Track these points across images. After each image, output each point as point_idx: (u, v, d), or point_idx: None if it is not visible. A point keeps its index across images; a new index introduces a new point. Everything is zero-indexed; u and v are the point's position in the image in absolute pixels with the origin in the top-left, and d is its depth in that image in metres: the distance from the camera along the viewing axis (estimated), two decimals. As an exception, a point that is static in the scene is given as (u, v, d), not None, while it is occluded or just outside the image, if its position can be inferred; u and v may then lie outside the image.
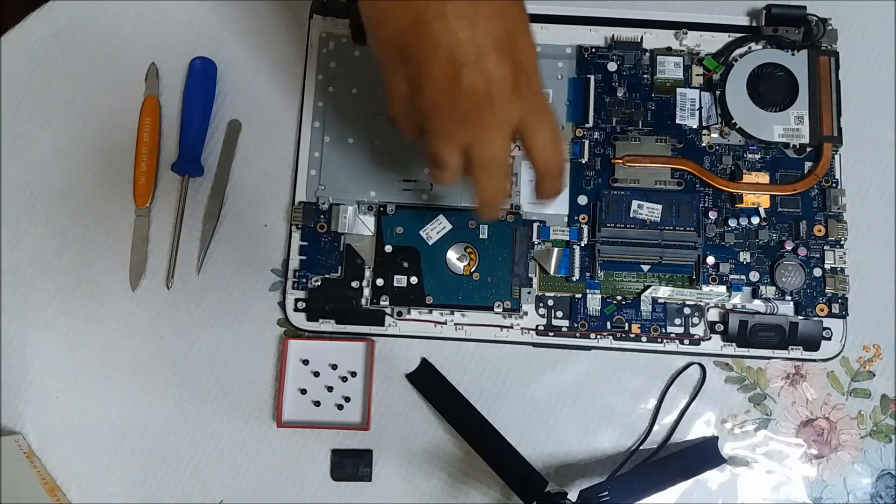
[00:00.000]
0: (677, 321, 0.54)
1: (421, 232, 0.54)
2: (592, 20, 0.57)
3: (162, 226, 0.56)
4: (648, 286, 0.53)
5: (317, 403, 0.53)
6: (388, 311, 0.54)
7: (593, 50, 0.56)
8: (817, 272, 0.53)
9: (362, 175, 0.55)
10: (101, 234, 0.56)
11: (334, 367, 0.54)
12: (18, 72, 0.58)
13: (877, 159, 0.56)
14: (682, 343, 0.53)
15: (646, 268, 0.54)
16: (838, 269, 0.54)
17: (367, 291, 0.54)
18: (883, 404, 0.54)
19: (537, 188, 0.45)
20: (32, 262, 0.56)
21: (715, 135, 0.55)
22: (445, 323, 0.54)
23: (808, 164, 0.55)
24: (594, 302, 0.54)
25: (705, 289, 0.53)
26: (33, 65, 0.58)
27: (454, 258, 0.54)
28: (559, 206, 0.55)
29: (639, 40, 0.56)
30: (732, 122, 0.55)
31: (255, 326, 0.55)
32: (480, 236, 0.54)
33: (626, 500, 0.49)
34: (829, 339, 0.53)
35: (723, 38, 0.57)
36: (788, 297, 0.54)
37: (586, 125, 0.56)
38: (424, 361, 0.54)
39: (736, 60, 0.56)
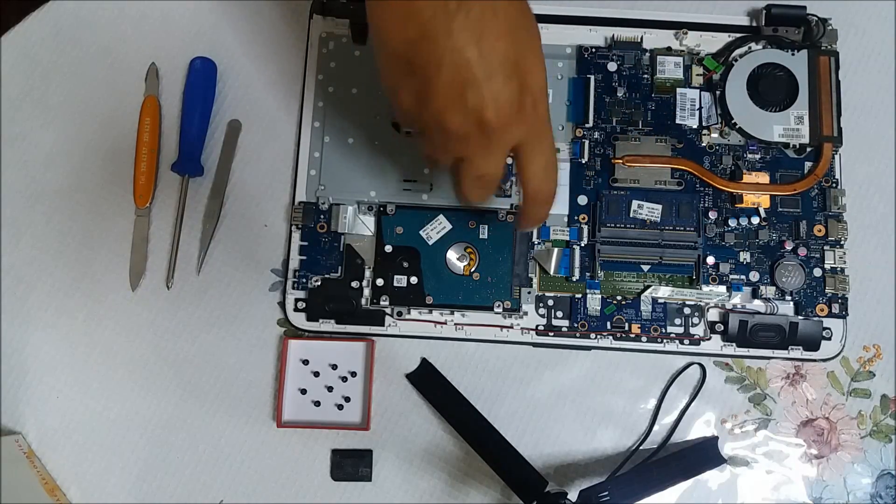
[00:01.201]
0: (677, 321, 0.54)
1: (421, 232, 0.54)
2: (592, 20, 0.57)
3: (162, 226, 0.56)
4: (648, 286, 0.53)
5: (317, 403, 0.53)
6: (388, 311, 0.54)
7: (593, 50, 0.56)
8: (817, 272, 0.53)
9: (362, 175, 0.55)
10: (101, 234, 0.56)
11: (334, 367, 0.54)
12: (18, 72, 0.58)
13: (877, 159, 0.56)
14: (682, 343, 0.53)
15: (646, 268, 0.54)
16: (838, 269, 0.54)
17: (367, 291, 0.54)
18: (883, 404, 0.54)
19: (521, 213, 0.44)
20: (32, 262, 0.56)
21: (715, 135, 0.55)
22: (445, 323, 0.54)
23: (808, 164, 0.55)
24: (594, 302, 0.54)
25: (705, 289, 0.53)
26: (33, 65, 0.58)
27: (454, 258, 0.54)
28: (559, 206, 0.55)
29: (639, 40, 0.56)
30: (732, 122, 0.55)
31: (255, 326, 0.55)
32: (480, 236, 0.54)
33: (626, 500, 0.49)
34: (829, 339, 0.53)
35: (723, 38, 0.57)
36: (788, 297, 0.54)
37: (586, 125, 0.56)
38: (424, 361, 0.54)
39: (736, 60, 0.56)
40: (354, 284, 0.54)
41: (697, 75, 0.56)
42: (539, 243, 0.54)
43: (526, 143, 0.40)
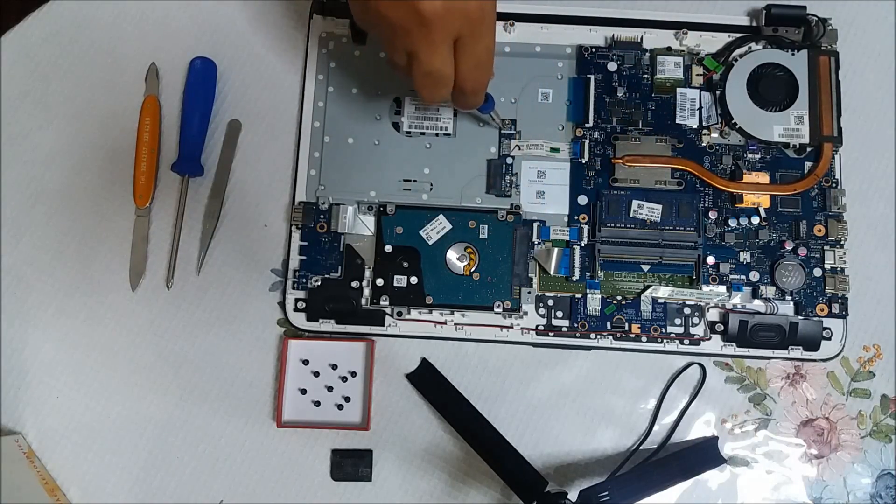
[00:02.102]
0: (677, 321, 0.54)
1: (421, 232, 0.54)
2: (592, 20, 0.57)
3: (162, 226, 0.56)
4: (648, 286, 0.53)
5: (317, 403, 0.53)
6: (388, 311, 0.54)
7: (593, 50, 0.56)
8: (817, 272, 0.53)
9: (362, 175, 0.55)
10: (101, 234, 0.56)
11: (334, 367, 0.54)
12: (18, 72, 0.58)
13: (877, 159, 0.56)
14: (682, 343, 0.53)
15: (646, 268, 0.54)
16: (838, 269, 0.54)
17: (367, 291, 0.54)
18: (883, 404, 0.54)
19: (453, 98, 0.46)
20: (32, 262, 0.56)
21: (715, 135, 0.55)
22: (445, 323, 0.54)
23: (808, 164, 0.55)
24: (594, 302, 0.54)
25: (705, 289, 0.53)
26: (33, 65, 0.58)
27: (454, 258, 0.54)
28: (559, 206, 0.55)
29: (639, 40, 0.56)
30: (732, 122, 0.55)
31: (255, 326, 0.55)
32: (480, 236, 0.54)
33: (626, 500, 0.49)
34: (829, 339, 0.53)
35: (723, 38, 0.57)
36: (788, 297, 0.54)
37: (586, 125, 0.56)
38: (424, 361, 0.54)
39: (736, 60, 0.56)
40: (354, 284, 0.54)
41: (697, 75, 0.56)
42: (539, 243, 0.54)
43: (462, 38, 0.42)
